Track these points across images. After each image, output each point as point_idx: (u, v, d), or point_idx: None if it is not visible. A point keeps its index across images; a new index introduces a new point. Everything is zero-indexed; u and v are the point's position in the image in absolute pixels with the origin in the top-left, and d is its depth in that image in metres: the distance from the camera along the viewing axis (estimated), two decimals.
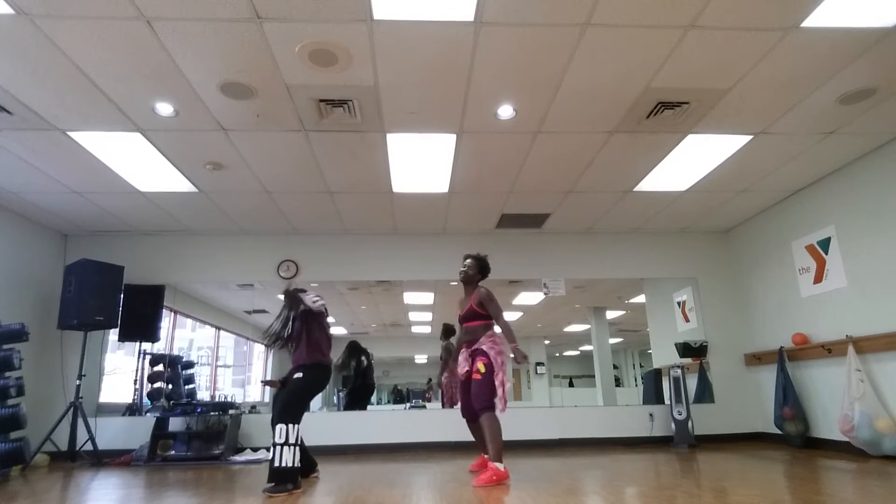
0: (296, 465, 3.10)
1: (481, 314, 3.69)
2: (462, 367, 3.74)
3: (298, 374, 3.36)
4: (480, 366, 3.51)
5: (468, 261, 3.88)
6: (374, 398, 6.58)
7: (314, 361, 3.40)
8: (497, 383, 3.47)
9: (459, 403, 3.84)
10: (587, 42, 2.93)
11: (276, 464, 3.05)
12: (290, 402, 3.27)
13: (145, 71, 3.10)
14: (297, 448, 3.13)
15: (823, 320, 4.78)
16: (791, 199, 5.18)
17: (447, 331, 5.97)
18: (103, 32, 2.77)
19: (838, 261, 4.60)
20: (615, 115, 3.69)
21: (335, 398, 6.26)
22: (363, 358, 6.24)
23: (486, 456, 3.77)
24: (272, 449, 3.09)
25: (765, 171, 4.63)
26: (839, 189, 4.61)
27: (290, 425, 3.13)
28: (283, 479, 3.06)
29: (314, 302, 3.43)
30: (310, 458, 3.65)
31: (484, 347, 3.59)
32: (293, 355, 3.48)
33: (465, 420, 3.81)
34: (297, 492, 3.09)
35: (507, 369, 3.57)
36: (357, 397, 6.14)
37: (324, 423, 5.49)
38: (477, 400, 3.48)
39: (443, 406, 5.90)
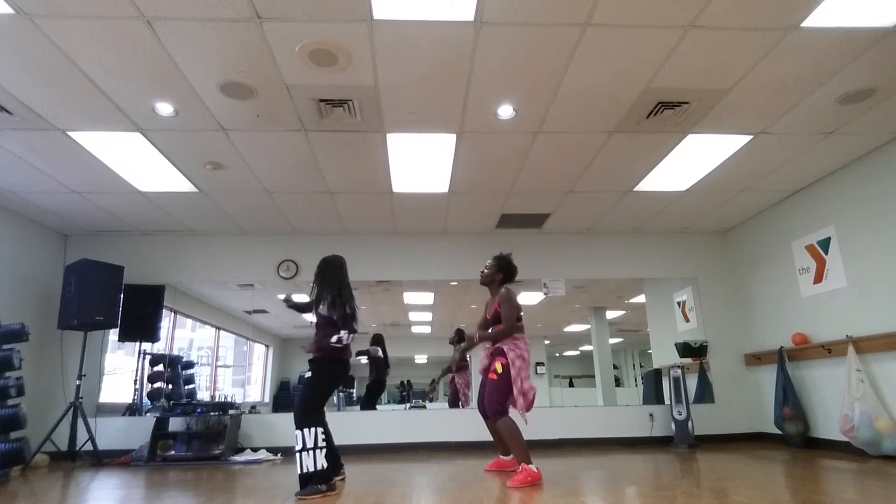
0: (320, 466, 2.99)
1: None
2: (482, 363, 3.73)
3: (308, 372, 3.24)
4: (498, 366, 3.50)
5: (488, 262, 3.85)
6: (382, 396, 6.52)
7: (325, 355, 3.21)
8: (516, 391, 3.40)
9: (477, 399, 3.80)
10: (587, 42, 2.93)
11: (300, 471, 2.99)
12: (299, 405, 3.13)
13: (145, 71, 3.10)
14: (320, 450, 3.02)
15: (823, 320, 4.77)
16: (791, 199, 5.18)
17: (461, 336, 5.98)
18: (103, 32, 2.77)
19: (838, 261, 4.60)
20: (615, 115, 3.69)
21: (335, 397, 6.24)
22: (377, 349, 6.20)
23: (503, 458, 3.77)
24: (295, 457, 3.01)
25: (765, 171, 4.63)
26: (839, 189, 4.61)
27: (307, 430, 3.02)
28: (310, 481, 2.98)
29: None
30: (336, 460, 3.51)
31: (504, 348, 3.54)
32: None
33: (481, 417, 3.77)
34: (330, 494, 2.99)
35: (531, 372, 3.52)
36: (368, 393, 6.13)
37: None
38: (490, 404, 3.47)
39: (450, 406, 5.88)
